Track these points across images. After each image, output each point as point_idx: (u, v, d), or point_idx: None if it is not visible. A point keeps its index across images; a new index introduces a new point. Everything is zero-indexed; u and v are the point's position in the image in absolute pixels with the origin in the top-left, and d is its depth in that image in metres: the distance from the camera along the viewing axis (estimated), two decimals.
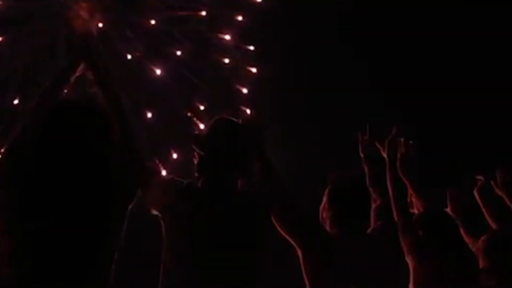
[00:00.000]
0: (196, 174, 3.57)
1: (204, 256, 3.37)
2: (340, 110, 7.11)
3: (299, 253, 3.75)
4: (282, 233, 3.70)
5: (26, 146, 2.79)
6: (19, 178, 2.76)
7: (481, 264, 3.91)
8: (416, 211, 4.20)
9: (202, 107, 7.19)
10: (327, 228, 3.86)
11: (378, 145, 4.10)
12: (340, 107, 7.16)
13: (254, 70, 7.25)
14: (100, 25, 6.61)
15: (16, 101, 6.71)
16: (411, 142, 4.07)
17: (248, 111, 6.42)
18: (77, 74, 3.23)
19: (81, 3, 5.67)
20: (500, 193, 4.34)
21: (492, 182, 4.36)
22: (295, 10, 7.26)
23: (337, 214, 3.86)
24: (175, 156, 6.95)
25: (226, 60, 7.31)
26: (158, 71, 7.14)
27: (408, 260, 3.88)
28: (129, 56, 7.14)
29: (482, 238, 3.97)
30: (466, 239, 4.06)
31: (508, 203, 4.29)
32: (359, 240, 3.80)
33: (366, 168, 4.07)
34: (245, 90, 7.21)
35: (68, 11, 6.08)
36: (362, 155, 4.12)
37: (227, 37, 7.25)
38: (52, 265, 2.70)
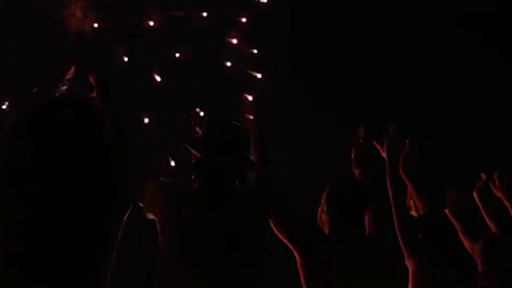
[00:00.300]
0: (193, 176, 3.56)
1: (204, 257, 3.36)
2: (340, 112, 7.08)
3: (297, 258, 3.73)
4: (280, 237, 3.69)
5: (18, 146, 2.75)
6: (12, 179, 2.73)
7: (479, 267, 3.90)
8: (414, 213, 4.18)
9: (201, 113, 7.10)
10: (326, 230, 3.84)
11: (376, 145, 4.07)
12: (340, 109, 7.13)
13: (259, 75, 7.15)
14: (96, 25, 6.56)
15: (5, 106, 6.61)
16: (416, 143, 4.05)
17: (250, 115, 6.38)
18: (69, 76, 3.19)
19: (77, 2, 5.64)
20: (498, 195, 4.32)
21: (490, 184, 4.34)
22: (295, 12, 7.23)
23: (336, 216, 3.83)
24: (173, 163, 6.87)
25: (228, 63, 7.22)
26: (158, 78, 7.05)
27: (408, 263, 3.86)
28: (125, 58, 7.06)
29: (481, 240, 3.95)
30: (465, 242, 4.05)
31: (506, 204, 4.27)
32: (358, 242, 3.78)
33: (357, 170, 4.03)
34: (250, 98, 7.11)
35: (64, 11, 6.05)
36: (353, 155, 4.07)
37: (234, 41, 7.16)
38: (50, 264, 2.66)
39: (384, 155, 3.98)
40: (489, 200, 4.31)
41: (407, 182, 3.98)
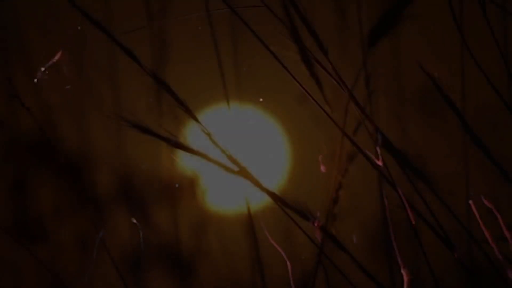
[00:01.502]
0: (177, 185, 3.57)
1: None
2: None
3: (288, 265, 3.68)
4: (273, 243, 3.65)
5: None
6: None
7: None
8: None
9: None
10: (319, 239, 3.79)
11: (367, 153, 4.02)
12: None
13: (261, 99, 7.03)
14: (79, 27, 6.46)
15: None
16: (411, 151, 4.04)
17: None
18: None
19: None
20: (488, 205, 4.28)
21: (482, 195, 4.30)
22: None
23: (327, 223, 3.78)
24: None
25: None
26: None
27: (403, 272, 3.81)
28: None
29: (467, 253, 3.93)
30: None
31: (496, 214, 4.23)
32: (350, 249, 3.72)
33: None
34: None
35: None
36: None
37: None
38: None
39: (380, 163, 3.94)
40: (485, 210, 4.26)
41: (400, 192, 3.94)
